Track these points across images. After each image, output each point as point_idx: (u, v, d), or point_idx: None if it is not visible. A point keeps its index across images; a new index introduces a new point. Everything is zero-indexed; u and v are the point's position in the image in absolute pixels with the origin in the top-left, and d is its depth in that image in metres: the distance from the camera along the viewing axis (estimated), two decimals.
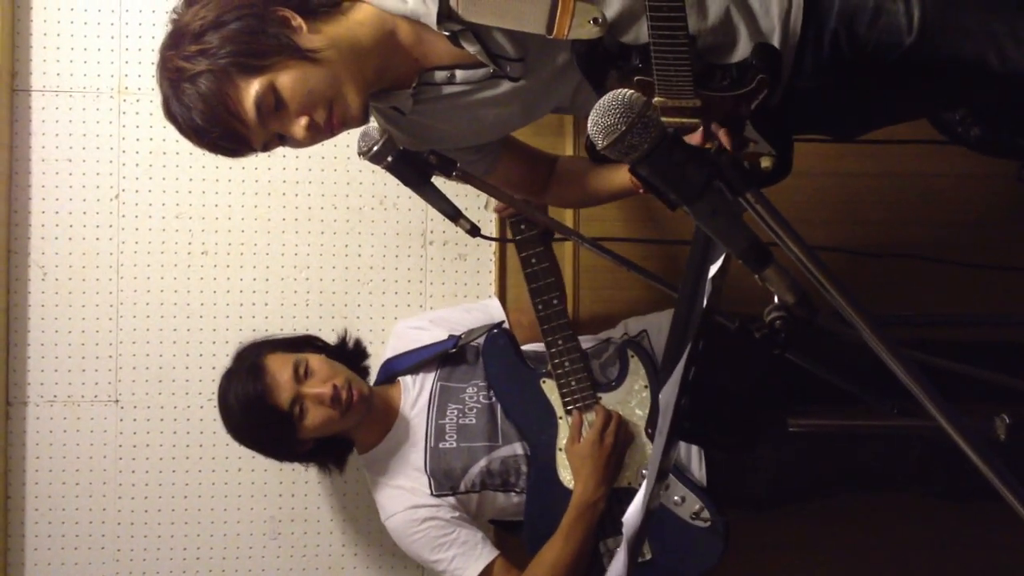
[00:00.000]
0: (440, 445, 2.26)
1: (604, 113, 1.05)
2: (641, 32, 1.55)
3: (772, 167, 1.62)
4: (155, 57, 1.60)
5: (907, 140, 2.44)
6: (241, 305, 2.60)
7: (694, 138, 1.63)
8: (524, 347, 2.36)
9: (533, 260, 2.21)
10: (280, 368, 2.17)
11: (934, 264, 2.43)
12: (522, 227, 2.22)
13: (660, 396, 1.32)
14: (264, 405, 2.15)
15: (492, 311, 2.51)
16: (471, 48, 1.60)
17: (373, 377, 2.45)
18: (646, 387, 2.23)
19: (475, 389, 2.30)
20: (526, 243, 2.21)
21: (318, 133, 1.61)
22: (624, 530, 1.41)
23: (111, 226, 2.57)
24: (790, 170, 1.64)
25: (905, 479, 2.27)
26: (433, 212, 1.83)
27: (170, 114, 1.60)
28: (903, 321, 2.25)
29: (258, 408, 2.15)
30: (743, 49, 1.61)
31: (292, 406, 2.15)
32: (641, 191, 1.84)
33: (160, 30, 1.64)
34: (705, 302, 1.21)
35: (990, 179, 2.71)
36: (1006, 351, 2.39)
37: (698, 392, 1.22)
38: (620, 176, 1.93)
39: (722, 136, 1.61)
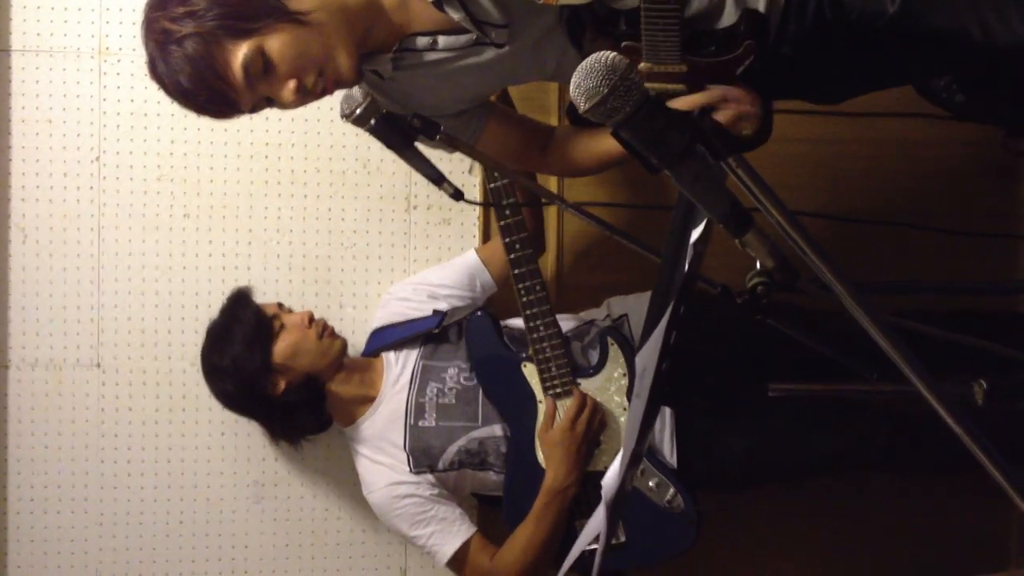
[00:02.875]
0: (419, 423, 2.29)
1: (586, 75, 1.04)
2: None
3: (752, 133, 1.62)
4: (139, 16, 1.59)
5: (891, 113, 2.43)
6: (223, 268, 2.59)
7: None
8: (506, 323, 2.37)
9: (517, 245, 2.21)
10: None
11: (916, 231, 2.43)
12: (507, 212, 2.20)
13: (637, 359, 1.33)
14: (249, 303, 2.29)
15: (468, 260, 2.50)
16: (455, 15, 1.59)
17: (363, 345, 2.48)
18: (624, 375, 2.25)
19: (456, 370, 2.32)
20: (511, 228, 2.20)
21: (307, 96, 1.61)
22: (603, 492, 1.42)
23: (92, 188, 2.55)
24: (769, 136, 1.64)
25: (874, 457, 2.30)
26: (417, 176, 1.82)
27: (156, 75, 1.59)
28: (883, 287, 2.27)
29: (243, 304, 2.29)
30: (729, 14, 1.60)
31: (273, 318, 2.26)
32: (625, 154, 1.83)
33: None
34: (687, 267, 1.21)
35: (974, 145, 2.71)
36: (987, 319, 2.41)
37: (678, 356, 1.23)
38: (607, 143, 1.92)
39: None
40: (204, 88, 1.55)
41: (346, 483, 2.60)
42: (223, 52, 1.53)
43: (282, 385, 2.25)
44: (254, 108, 1.63)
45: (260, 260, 2.61)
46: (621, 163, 2.02)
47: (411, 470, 2.27)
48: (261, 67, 1.54)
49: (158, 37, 1.55)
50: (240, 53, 1.53)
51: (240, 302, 2.31)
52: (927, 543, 2.75)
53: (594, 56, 1.05)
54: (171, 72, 1.55)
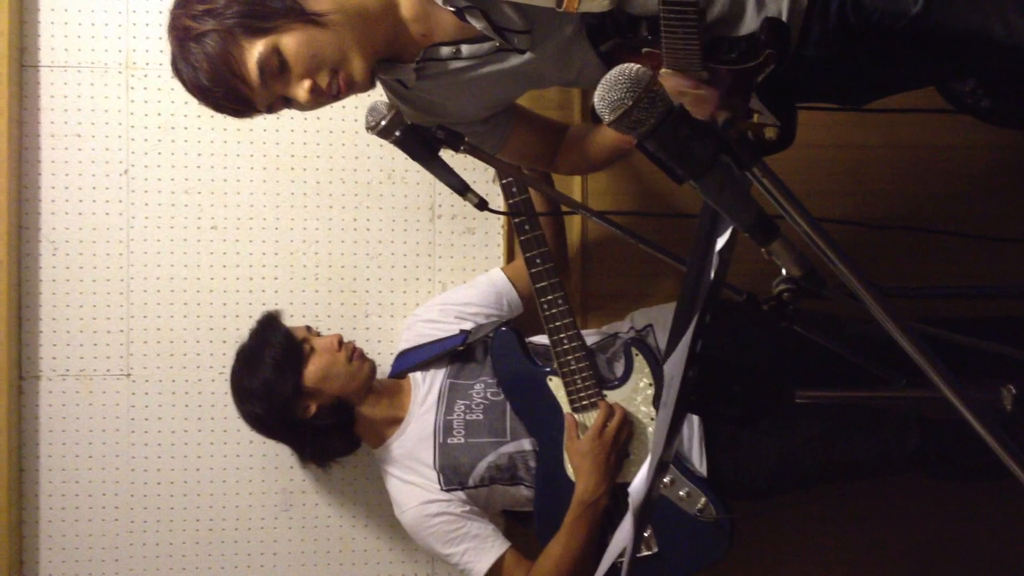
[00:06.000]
0: (448, 441, 2.29)
1: (611, 87, 1.05)
2: (650, 3, 1.55)
3: (776, 137, 1.62)
4: (164, 20, 1.62)
5: (916, 109, 2.41)
6: (251, 279, 2.61)
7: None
8: (531, 339, 2.38)
9: (538, 260, 2.22)
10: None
11: (941, 236, 2.42)
12: (527, 227, 2.21)
13: (665, 368, 1.33)
14: (279, 326, 2.29)
15: (494, 278, 2.52)
16: (478, 24, 1.59)
17: (388, 368, 2.49)
18: (651, 385, 2.24)
19: (483, 386, 2.32)
20: (532, 243, 2.21)
21: (321, 96, 1.62)
22: (631, 500, 1.42)
23: (121, 201, 2.58)
24: (793, 140, 1.64)
25: (903, 463, 2.28)
26: (441, 186, 1.84)
27: (176, 71, 1.62)
28: (910, 293, 2.25)
29: (273, 327, 2.29)
30: (750, 20, 1.60)
31: (303, 342, 2.27)
32: (633, 144, 1.83)
33: (167, 4, 1.64)
34: (712, 275, 1.22)
35: (1000, 150, 2.70)
36: (1014, 324, 2.39)
37: (704, 364, 1.23)
38: (611, 133, 1.93)
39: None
40: (221, 85, 1.57)
41: (373, 491, 2.62)
42: (240, 50, 1.55)
43: (313, 408, 2.26)
44: (271, 108, 1.64)
45: (286, 271, 2.63)
46: (622, 155, 2.03)
47: (442, 488, 2.28)
48: (276, 66, 1.56)
49: (179, 34, 1.58)
50: (255, 51, 1.55)
51: (270, 325, 2.31)
52: (954, 551, 2.73)
53: (618, 69, 1.06)
54: (190, 68, 1.57)
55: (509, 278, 2.50)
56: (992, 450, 1.10)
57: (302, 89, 1.59)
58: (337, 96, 1.63)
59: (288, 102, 1.64)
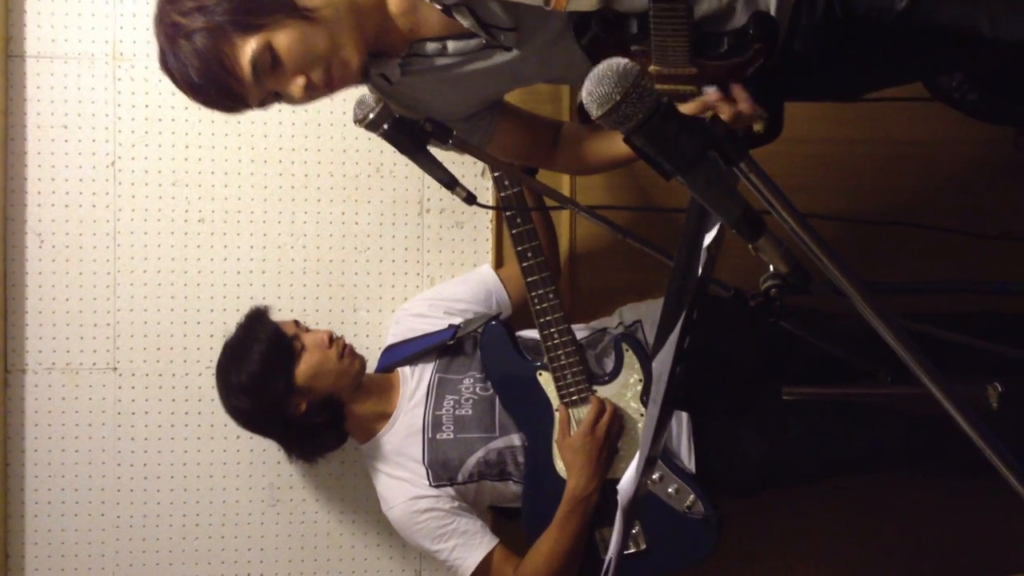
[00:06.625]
0: (437, 436, 2.29)
1: (598, 82, 1.04)
2: (638, 0, 1.55)
3: (763, 130, 1.62)
4: (152, 9, 1.60)
5: (903, 98, 2.41)
6: (238, 272, 2.61)
7: (689, 108, 1.64)
8: (520, 333, 2.37)
9: (529, 254, 2.21)
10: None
11: (929, 232, 2.43)
12: (518, 220, 2.21)
13: (654, 365, 1.33)
14: (268, 321, 2.27)
15: (484, 276, 2.53)
16: (464, 21, 1.59)
17: (375, 362, 2.48)
18: (640, 380, 2.24)
19: (472, 380, 2.31)
20: (523, 236, 2.21)
21: (315, 91, 1.61)
22: (619, 497, 1.42)
23: (108, 193, 2.57)
24: (780, 132, 1.65)
25: (890, 459, 2.29)
26: (430, 180, 1.83)
27: (166, 68, 1.60)
28: (896, 289, 2.26)
29: (262, 322, 2.27)
30: (739, 16, 1.60)
31: (294, 339, 2.24)
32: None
33: None
34: (700, 271, 1.21)
35: (986, 145, 2.70)
36: (1000, 320, 2.40)
37: (693, 360, 1.23)
38: (619, 145, 1.92)
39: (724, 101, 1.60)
40: (212, 82, 1.56)
41: (361, 486, 2.61)
42: (232, 47, 1.54)
43: (303, 406, 2.24)
44: (262, 103, 1.63)
45: (274, 264, 2.62)
46: (631, 163, 2.02)
47: (431, 484, 2.27)
48: (269, 62, 1.55)
49: (168, 31, 1.56)
50: (248, 48, 1.53)
51: (258, 320, 2.29)
52: (942, 545, 2.74)
53: (606, 63, 1.05)
54: (180, 66, 1.56)
55: (502, 279, 2.50)
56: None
57: (295, 85, 1.58)
58: (331, 91, 1.62)
59: (279, 96, 1.63)
